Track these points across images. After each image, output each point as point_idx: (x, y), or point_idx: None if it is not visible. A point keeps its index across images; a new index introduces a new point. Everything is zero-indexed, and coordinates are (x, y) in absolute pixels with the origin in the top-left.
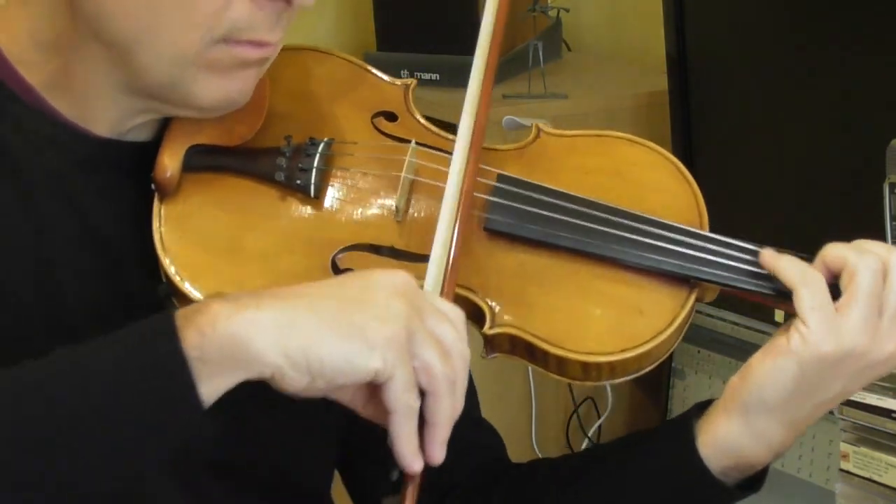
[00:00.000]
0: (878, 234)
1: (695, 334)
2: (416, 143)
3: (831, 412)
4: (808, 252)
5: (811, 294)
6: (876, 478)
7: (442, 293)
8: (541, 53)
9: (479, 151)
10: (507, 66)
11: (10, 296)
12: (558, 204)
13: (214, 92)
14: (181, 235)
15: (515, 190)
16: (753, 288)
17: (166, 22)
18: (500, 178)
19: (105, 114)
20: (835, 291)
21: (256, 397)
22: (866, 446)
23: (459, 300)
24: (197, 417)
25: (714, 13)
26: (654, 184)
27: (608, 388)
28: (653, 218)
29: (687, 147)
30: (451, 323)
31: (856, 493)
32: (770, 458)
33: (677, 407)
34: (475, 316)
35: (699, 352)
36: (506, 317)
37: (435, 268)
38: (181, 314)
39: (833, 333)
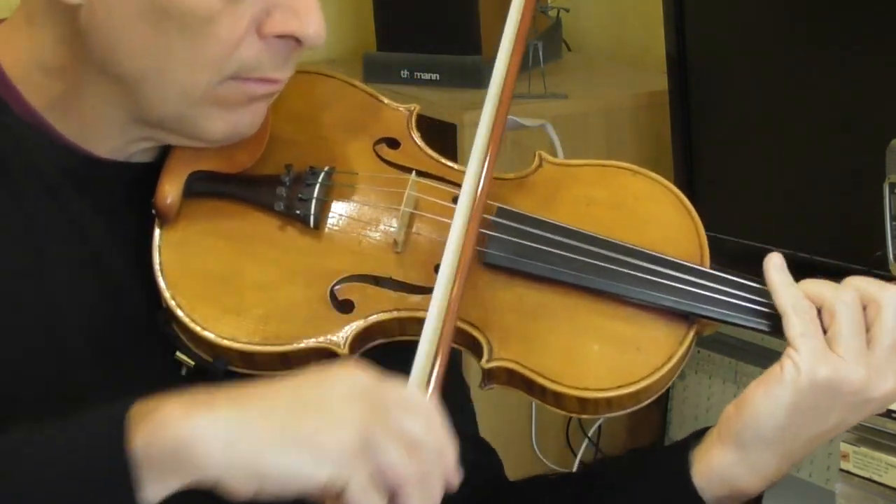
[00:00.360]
0: (878, 234)
1: None
2: (417, 175)
3: None
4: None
5: (801, 321)
6: (876, 478)
7: (430, 378)
8: (541, 53)
9: (477, 225)
10: None
11: (8, 317)
12: (557, 239)
13: (223, 126)
14: (180, 262)
15: (515, 225)
16: (752, 325)
17: (176, 61)
18: (500, 212)
19: (108, 138)
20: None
21: None
22: (866, 446)
23: (458, 333)
24: None
25: (714, 13)
26: (656, 217)
27: None
28: (652, 253)
29: (687, 147)
30: (419, 415)
31: (856, 493)
32: (764, 487)
33: (677, 407)
34: (473, 349)
35: (699, 352)
36: (503, 351)
37: (423, 355)
38: (136, 411)
39: (825, 360)
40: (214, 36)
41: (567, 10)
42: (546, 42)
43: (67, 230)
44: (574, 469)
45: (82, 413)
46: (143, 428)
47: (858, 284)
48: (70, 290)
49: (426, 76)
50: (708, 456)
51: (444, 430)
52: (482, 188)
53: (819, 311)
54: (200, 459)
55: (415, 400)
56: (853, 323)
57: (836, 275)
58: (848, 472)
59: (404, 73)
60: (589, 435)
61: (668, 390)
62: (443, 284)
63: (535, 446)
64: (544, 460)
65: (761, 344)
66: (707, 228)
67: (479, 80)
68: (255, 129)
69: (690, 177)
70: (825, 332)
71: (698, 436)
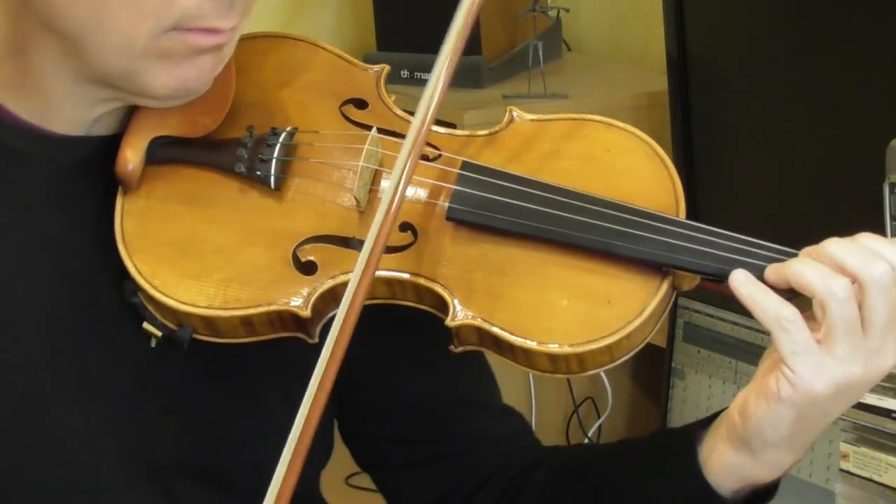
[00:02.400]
0: (878, 233)
1: (695, 334)
2: (379, 131)
3: None
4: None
5: (789, 338)
6: (876, 478)
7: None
8: (541, 53)
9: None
10: (507, 66)
11: None
12: (522, 190)
13: (169, 80)
14: (142, 229)
15: (479, 177)
16: (727, 274)
17: (115, 11)
18: (464, 165)
19: (65, 108)
20: (806, 302)
21: (233, 404)
22: (866, 446)
23: (423, 291)
24: None
25: (714, 13)
26: (629, 168)
27: (608, 388)
28: (622, 203)
29: (687, 147)
30: None
31: (856, 493)
32: (780, 474)
33: (677, 407)
34: (440, 307)
35: (699, 352)
36: (469, 308)
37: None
38: None
39: (821, 373)
40: None
41: (567, 10)
42: (546, 42)
43: (19, 214)
44: None
45: None
46: None
47: (844, 257)
48: (24, 276)
49: (426, 76)
50: (720, 455)
51: None
52: (424, 129)
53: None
54: None
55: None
56: (847, 321)
57: None
58: (848, 472)
59: (404, 73)
60: (589, 434)
61: (667, 390)
62: (373, 231)
63: None
64: None
65: (761, 344)
66: None
67: (479, 80)
68: (206, 85)
69: (690, 177)
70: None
71: (704, 425)
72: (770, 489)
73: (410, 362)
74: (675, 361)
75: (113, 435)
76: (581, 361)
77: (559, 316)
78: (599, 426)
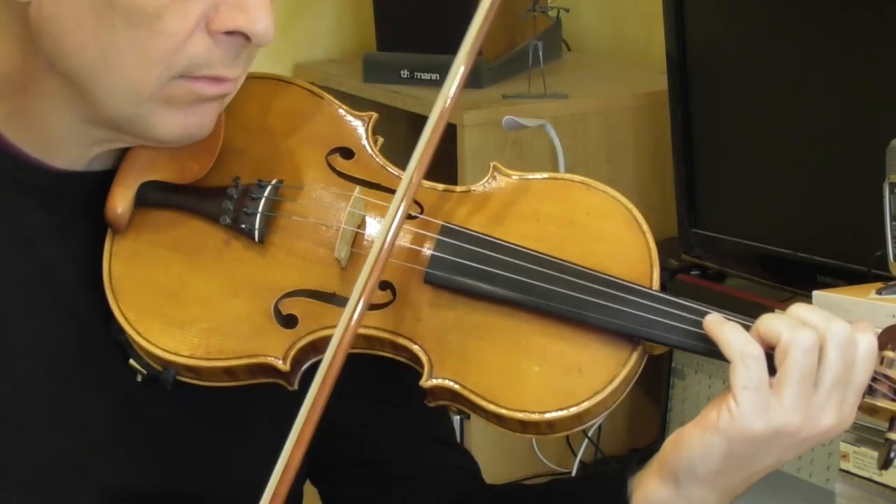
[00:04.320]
0: (878, 234)
1: None
2: (362, 188)
3: None
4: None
5: (746, 373)
6: (876, 478)
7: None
8: (541, 53)
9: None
10: (507, 66)
11: None
12: (501, 258)
13: (173, 126)
14: (128, 273)
15: (457, 243)
16: (698, 350)
17: (124, 58)
18: (444, 230)
19: (64, 145)
20: (771, 363)
21: (216, 437)
22: (866, 446)
23: (400, 349)
24: None
25: (714, 13)
26: (607, 234)
27: None
28: (597, 274)
29: (687, 147)
30: None
31: (856, 493)
32: None
33: (677, 407)
34: (415, 362)
35: None
36: (442, 370)
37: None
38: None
39: (762, 414)
40: (162, 31)
41: (567, 10)
42: (546, 42)
43: (19, 245)
44: (574, 470)
45: None
46: None
47: (805, 316)
48: (22, 305)
49: (426, 76)
50: (646, 487)
51: None
52: (406, 195)
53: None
54: None
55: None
56: (805, 369)
57: (837, 275)
58: (848, 472)
59: (404, 73)
60: (589, 435)
61: (667, 390)
62: (357, 287)
63: (536, 447)
64: (545, 460)
65: None
66: (707, 228)
67: (479, 80)
68: (207, 131)
69: (690, 177)
70: (775, 371)
71: (641, 461)
72: None
73: (370, 394)
74: (675, 361)
75: (94, 463)
76: (550, 426)
77: (531, 382)
78: (599, 427)
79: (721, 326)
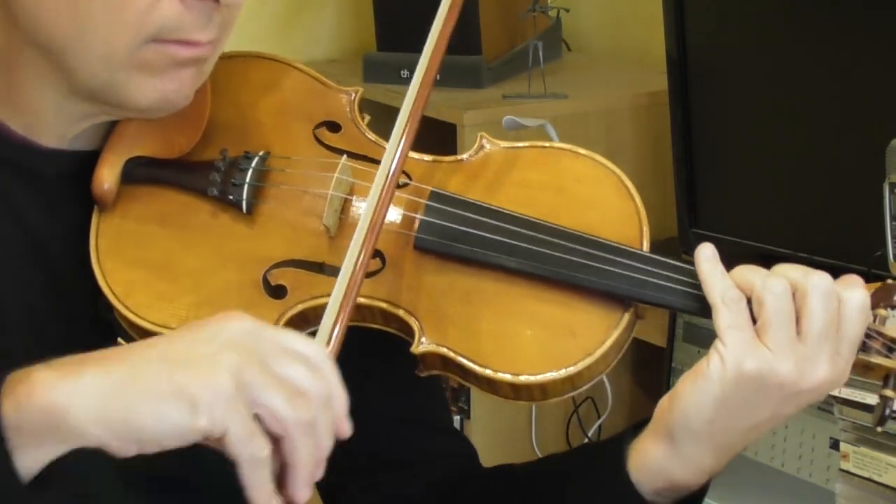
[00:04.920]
0: (878, 234)
1: (695, 334)
2: (349, 158)
3: (831, 412)
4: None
5: (729, 313)
6: (876, 478)
7: (333, 332)
8: (541, 53)
9: (392, 192)
10: (507, 66)
11: None
12: (490, 222)
13: (150, 92)
14: (116, 249)
15: (446, 208)
16: (689, 309)
17: (95, 23)
18: (433, 195)
19: (50, 122)
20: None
21: None
22: (866, 446)
23: (389, 317)
24: (19, 485)
25: (714, 13)
26: (597, 199)
27: (608, 388)
28: (587, 236)
29: (687, 147)
30: (305, 363)
31: (856, 493)
32: (703, 480)
33: None
34: (406, 332)
35: (699, 352)
36: (434, 336)
37: (331, 307)
38: (10, 379)
39: (750, 351)
40: None
41: (567, 10)
42: (546, 42)
43: (9, 222)
44: None
45: None
46: (13, 396)
47: (786, 272)
48: (12, 279)
49: None
50: (643, 449)
51: (333, 380)
52: (397, 161)
53: (749, 301)
54: (75, 424)
55: (297, 346)
56: (781, 313)
57: (837, 275)
58: (848, 472)
59: (404, 73)
60: (589, 434)
61: (667, 390)
62: (351, 251)
63: (535, 445)
64: None
65: None
66: (707, 228)
67: (479, 80)
68: (186, 98)
69: (690, 177)
70: (755, 321)
71: (637, 427)
72: (693, 499)
73: (367, 378)
74: (675, 361)
75: None
76: (543, 390)
77: (523, 346)
78: (599, 426)
79: (707, 265)
